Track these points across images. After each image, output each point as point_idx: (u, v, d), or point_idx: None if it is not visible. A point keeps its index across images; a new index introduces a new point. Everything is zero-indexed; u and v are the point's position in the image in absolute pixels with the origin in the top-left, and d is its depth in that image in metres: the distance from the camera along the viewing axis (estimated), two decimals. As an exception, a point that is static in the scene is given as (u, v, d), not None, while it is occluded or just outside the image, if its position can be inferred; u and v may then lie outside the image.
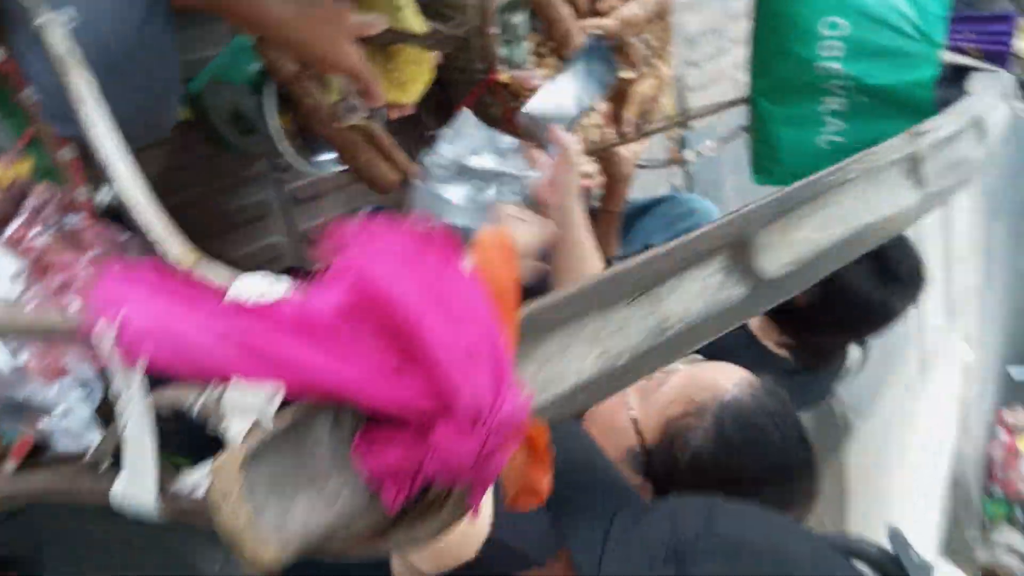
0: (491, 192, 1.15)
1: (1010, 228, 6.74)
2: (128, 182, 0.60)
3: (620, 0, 1.81)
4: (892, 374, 4.61)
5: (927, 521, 5.03)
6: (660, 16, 1.94)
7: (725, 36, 2.68)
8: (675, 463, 0.93)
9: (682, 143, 1.81)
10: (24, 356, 0.87)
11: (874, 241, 0.64)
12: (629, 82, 1.58)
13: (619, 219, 1.66)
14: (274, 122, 1.29)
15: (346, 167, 1.37)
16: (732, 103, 1.48)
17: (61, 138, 1.00)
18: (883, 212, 0.64)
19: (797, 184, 0.57)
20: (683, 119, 1.56)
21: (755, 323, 1.63)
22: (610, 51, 1.52)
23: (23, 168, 0.97)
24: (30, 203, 0.99)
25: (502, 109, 1.57)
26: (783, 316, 1.57)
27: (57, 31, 0.74)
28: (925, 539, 4.61)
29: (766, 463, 0.98)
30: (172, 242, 0.54)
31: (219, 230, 1.47)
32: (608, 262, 1.66)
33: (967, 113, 0.82)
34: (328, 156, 1.39)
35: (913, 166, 0.69)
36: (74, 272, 0.97)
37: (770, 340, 1.60)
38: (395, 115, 1.14)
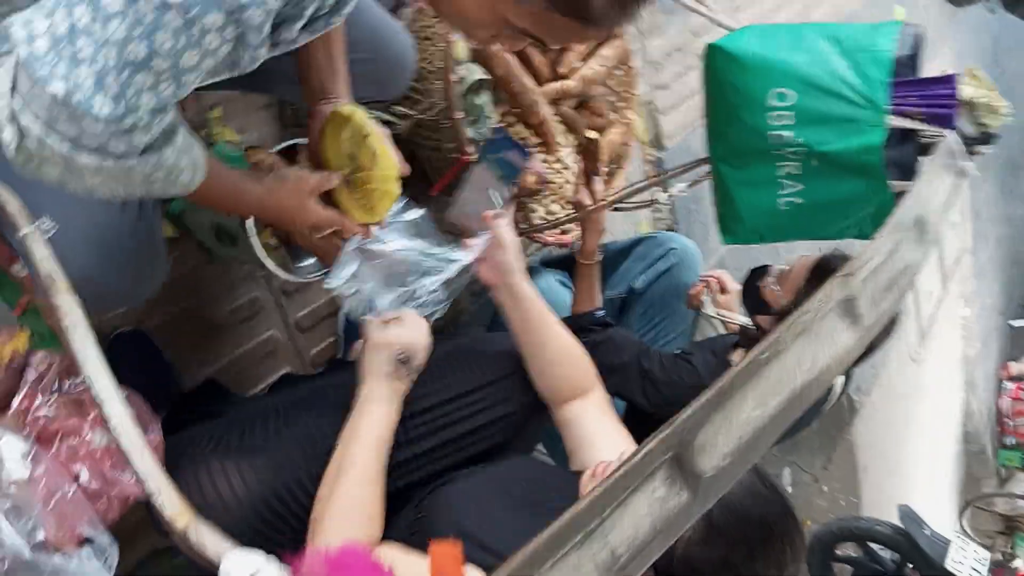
0: (420, 281, 1.21)
1: (999, 182, 6.77)
2: (123, 426, 0.65)
3: (580, 59, 1.85)
4: (893, 349, 4.66)
5: (944, 484, 5.10)
6: (621, 63, 1.99)
7: (690, 52, 2.72)
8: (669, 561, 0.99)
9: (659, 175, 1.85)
10: (40, 533, 0.92)
11: (814, 394, 0.69)
12: (596, 139, 1.63)
13: (598, 269, 1.71)
14: (256, 240, 1.34)
15: (328, 269, 1.42)
16: (696, 163, 1.52)
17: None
18: (821, 364, 0.69)
19: (732, 373, 0.62)
20: (654, 182, 1.61)
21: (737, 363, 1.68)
22: (510, 139, 1.62)
23: (21, 340, 1.02)
24: (31, 374, 1.04)
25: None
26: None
27: (40, 246, 0.79)
28: (942, 503, 4.68)
29: (755, 537, 1.04)
30: (168, 499, 0.60)
31: (215, 334, 1.53)
32: (592, 314, 1.72)
33: (903, 223, 0.86)
34: (310, 261, 1.45)
35: (848, 307, 0.74)
36: (81, 437, 1.02)
37: None
38: (367, 233, 1.20)
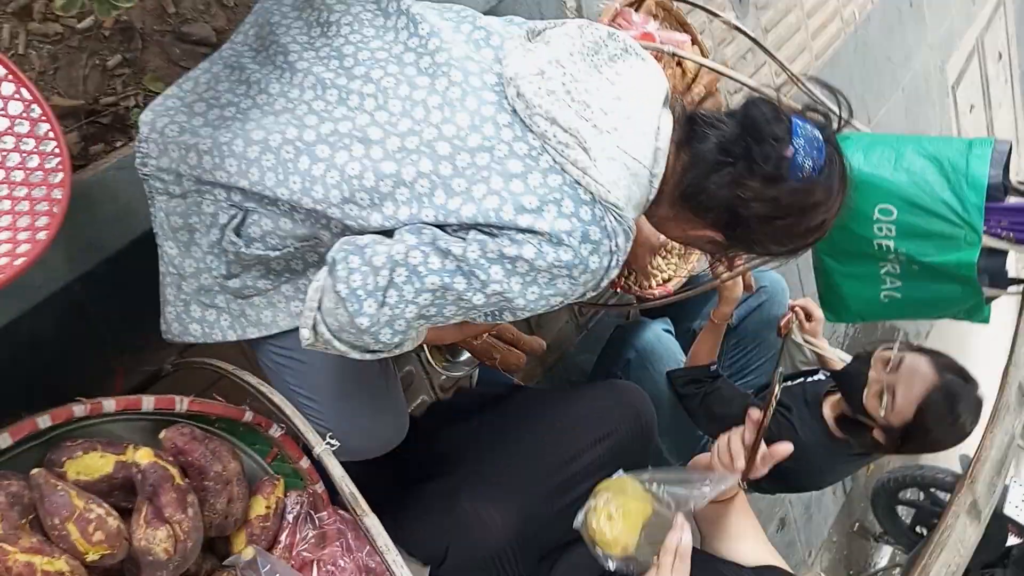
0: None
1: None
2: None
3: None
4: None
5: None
6: (709, 94, 2.13)
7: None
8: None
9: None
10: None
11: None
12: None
13: (723, 330, 1.92)
14: (425, 349, 1.57)
15: (481, 361, 1.65)
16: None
17: (299, 452, 1.28)
18: (955, 566, 0.90)
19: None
20: (757, 264, 1.78)
21: (828, 415, 1.89)
22: None
23: (280, 488, 1.26)
24: (289, 513, 1.29)
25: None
26: (860, 439, 1.82)
27: (335, 464, 1.03)
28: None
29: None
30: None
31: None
32: (707, 368, 1.94)
33: (1009, 403, 1.06)
34: (465, 356, 1.68)
35: (972, 508, 0.95)
36: (336, 564, 1.27)
37: (841, 438, 1.86)
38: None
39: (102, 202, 1.18)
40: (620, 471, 1.35)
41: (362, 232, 1.03)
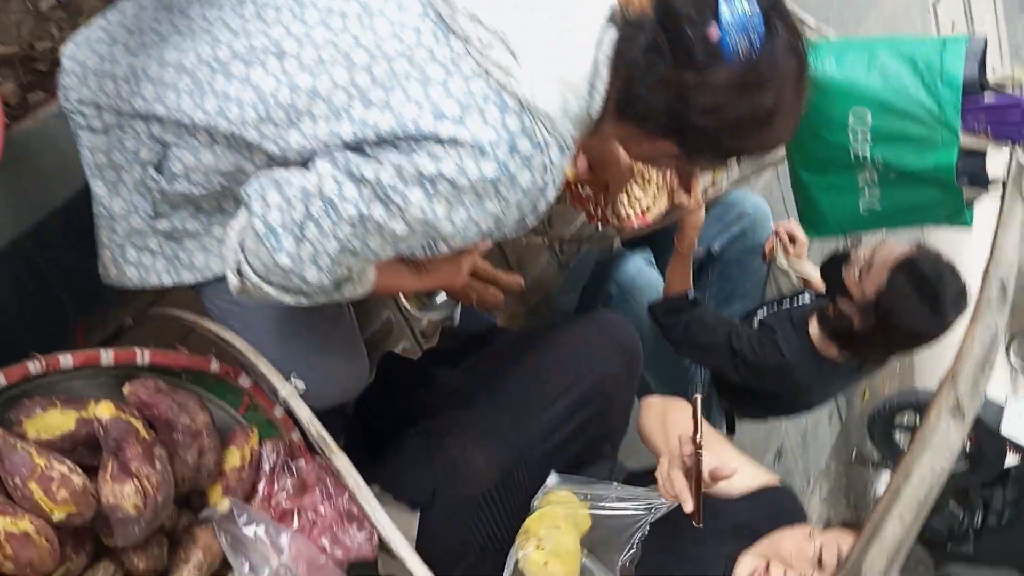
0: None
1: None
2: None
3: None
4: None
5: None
6: None
7: None
8: None
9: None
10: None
11: (937, 492, 0.88)
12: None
13: (689, 259, 1.88)
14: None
15: (458, 302, 1.62)
16: (777, 160, 1.66)
17: (270, 401, 1.26)
18: (939, 468, 0.88)
19: (879, 510, 0.82)
20: (736, 183, 1.74)
21: (815, 334, 1.87)
22: None
23: (254, 439, 1.24)
24: (265, 464, 1.26)
25: (568, 197, 1.78)
26: (841, 338, 1.81)
27: (302, 408, 1.00)
28: (994, 369, 4.87)
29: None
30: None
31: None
32: (684, 296, 1.91)
33: (992, 300, 1.03)
34: (441, 298, 1.65)
35: (955, 407, 0.92)
36: (316, 511, 1.25)
37: (831, 349, 1.84)
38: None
39: (44, 152, 1.14)
40: (554, 479, 1.29)
41: (285, 161, 0.98)
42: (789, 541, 1.26)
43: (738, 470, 1.21)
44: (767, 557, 1.26)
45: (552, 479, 1.28)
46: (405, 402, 1.56)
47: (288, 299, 1.04)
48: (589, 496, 1.25)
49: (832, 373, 1.87)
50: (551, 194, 1.00)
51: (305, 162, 0.98)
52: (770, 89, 0.99)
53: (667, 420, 1.44)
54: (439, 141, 0.91)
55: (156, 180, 1.06)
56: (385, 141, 0.92)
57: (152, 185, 1.07)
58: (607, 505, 1.25)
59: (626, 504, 1.25)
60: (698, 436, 1.12)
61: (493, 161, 0.92)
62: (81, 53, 1.07)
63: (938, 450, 0.88)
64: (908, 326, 1.69)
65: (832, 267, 1.83)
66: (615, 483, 1.27)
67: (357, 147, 0.94)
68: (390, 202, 0.93)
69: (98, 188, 1.12)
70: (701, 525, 1.15)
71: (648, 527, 1.24)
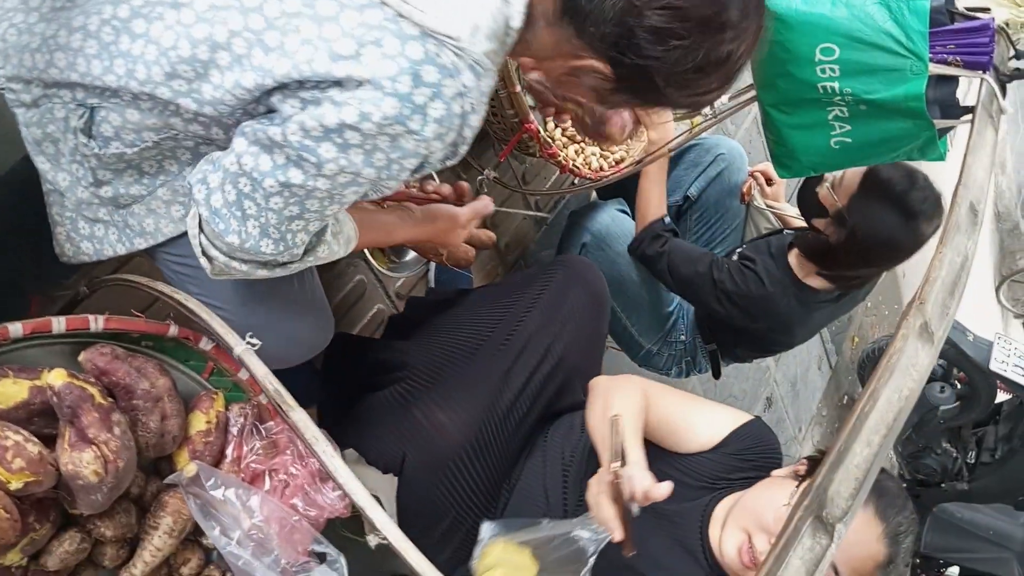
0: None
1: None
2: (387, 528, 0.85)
3: None
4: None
5: (982, 282, 5.30)
6: None
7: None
8: None
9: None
10: (282, 561, 1.16)
11: (906, 416, 0.86)
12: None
13: (662, 177, 1.86)
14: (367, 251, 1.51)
15: (428, 259, 1.60)
16: (747, 102, 1.63)
17: (235, 364, 1.24)
18: (907, 391, 0.86)
19: (844, 433, 0.80)
20: (712, 123, 1.71)
21: (794, 263, 1.86)
22: None
23: (220, 402, 1.22)
24: (233, 427, 1.25)
25: (539, 150, 1.75)
26: (817, 256, 1.80)
27: (257, 364, 0.98)
28: (983, 307, 4.91)
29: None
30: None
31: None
32: (661, 222, 1.89)
33: (961, 223, 1.00)
34: (411, 256, 1.62)
35: (923, 330, 0.90)
36: (287, 472, 1.24)
37: (811, 277, 1.83)
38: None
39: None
40: (487, 530, 1.20)
41: (209, 118, 0.95)
42: (768, 507, 1.25)
43: (670, 485, 1.13)
44: (747, 529, 1.25)
45: (485, 529, 1.19)
46: (370, 371, 1.55)
47: (264, 272, 1.02)
48: (528, 542, 1.16)
49: (813, 302, 1.85)
50: (475, 120, 0.94)
51: (231, 119, 0.95)
52: (729, 34, 0.95)
53: (607, 412, 1.33)
54: (337, 83, 0.86)
55: (88, 146, 1.04)
56: (285, 88, 0.88)
57: (88, 152, 1.04)
58: (548, 541, 1.16)
59: (567, 534, 1.16)
60: (614, 464, 1.05)
61: (395, 97, 0.86)
62: (1, 28, 1.04)
63: (905, 372, 0.87)
64: (880, 234, 1.67)
65: (808, 189, 1.81)
66: (547, 520, 1.18)
67: (262, 103, 0.91)
68: (304, 162, 0.89)
69: (41, 164, 1.09)
70: (631, 554, 1.08)
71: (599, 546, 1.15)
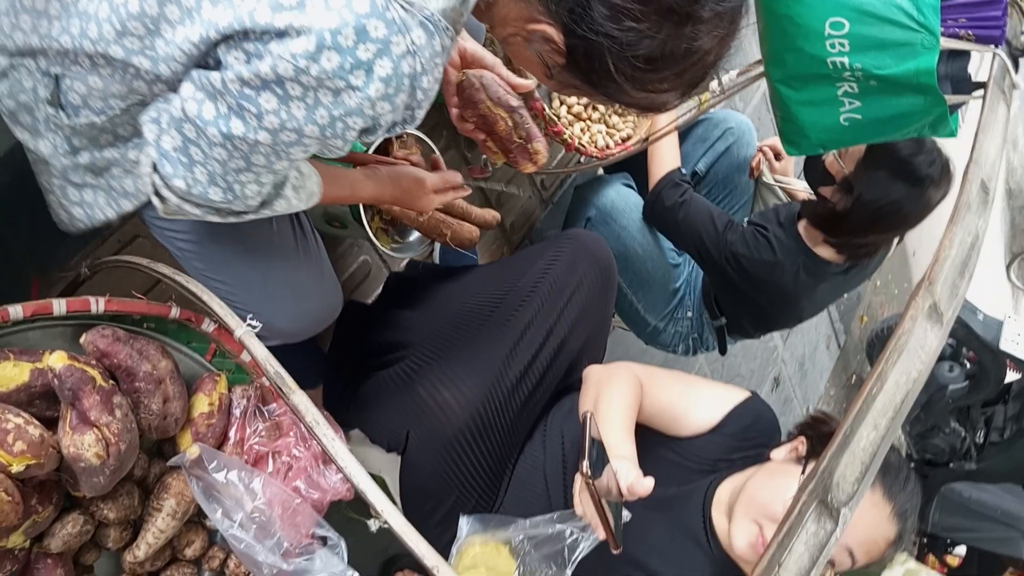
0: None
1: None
2: (387, 510, 0.84)
3: None
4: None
5: (993, 262, 5.25)
6: None
7: None
8: None
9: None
10: (284, 543, 1.16)
11: (913, 398, 0.85)
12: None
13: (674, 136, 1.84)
14: (368, 228, 1.49)
15: (432, 239, 1.58)
16: (755, 77, 1.60)
17: (239, 345, 1.23)
18: (915, 373, 0.84)
19: (850, 415, 0.79)
20: (718, 100, 1.69)
21: (803, 232, 1.84)
22: None
23: (223, 384, 1.22)
24: (236, 408, 1.25)
25: (544, 128, 1.73)
26: (825, 223, 1.79)
27: (258, 347, 0.97)
28: (994, 286, 4.86)
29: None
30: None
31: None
32: (679, 171, 1.88)
33: (971, 202, 0.98)
34: (415, 236, 1.60)
35: (932, 311, 0.89)
36: (290, 454, 1.23)
37: (820, 246, 1.81)
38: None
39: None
40: (465, 526, 1.17)
41: (172, 76, 0.92)
42: (775, 498, 1.22)
43: (653, 480, 1.09)
44: (757, 521, 1.23)
45: (463, 525, 1.16)
46: (374, 351, 1.54)
47: (215, 218, 1.00)
48: (506, 541, 1.13)
49: (821, 272, 1.82)
50: (426, 82, 0.89)
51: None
52: (691, 35, 0.91)
53: (599, 405, 1.30)
54: (279, 34, 0.82)
55: (58, 116, 1.02)
56: (230, 40, 0.84)
57: (59, 122, 1.03)
58: (527, 540, 1.13)
59: (547, 533, 1.13)
60: (584, 465, 0.99)
61: (335, 51, 0.82)
62: None
63: (914, 354, 0.85)
64: (886, 199, 1.65)
65: (814, 157, 1.80)
66: (523, 520, 1.15)
67: (211, 56, 0.88)
68: (245, 112, 0.86)
69: (20, 134, 1.08)
70: (617, 551, 1.04)
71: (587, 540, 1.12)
